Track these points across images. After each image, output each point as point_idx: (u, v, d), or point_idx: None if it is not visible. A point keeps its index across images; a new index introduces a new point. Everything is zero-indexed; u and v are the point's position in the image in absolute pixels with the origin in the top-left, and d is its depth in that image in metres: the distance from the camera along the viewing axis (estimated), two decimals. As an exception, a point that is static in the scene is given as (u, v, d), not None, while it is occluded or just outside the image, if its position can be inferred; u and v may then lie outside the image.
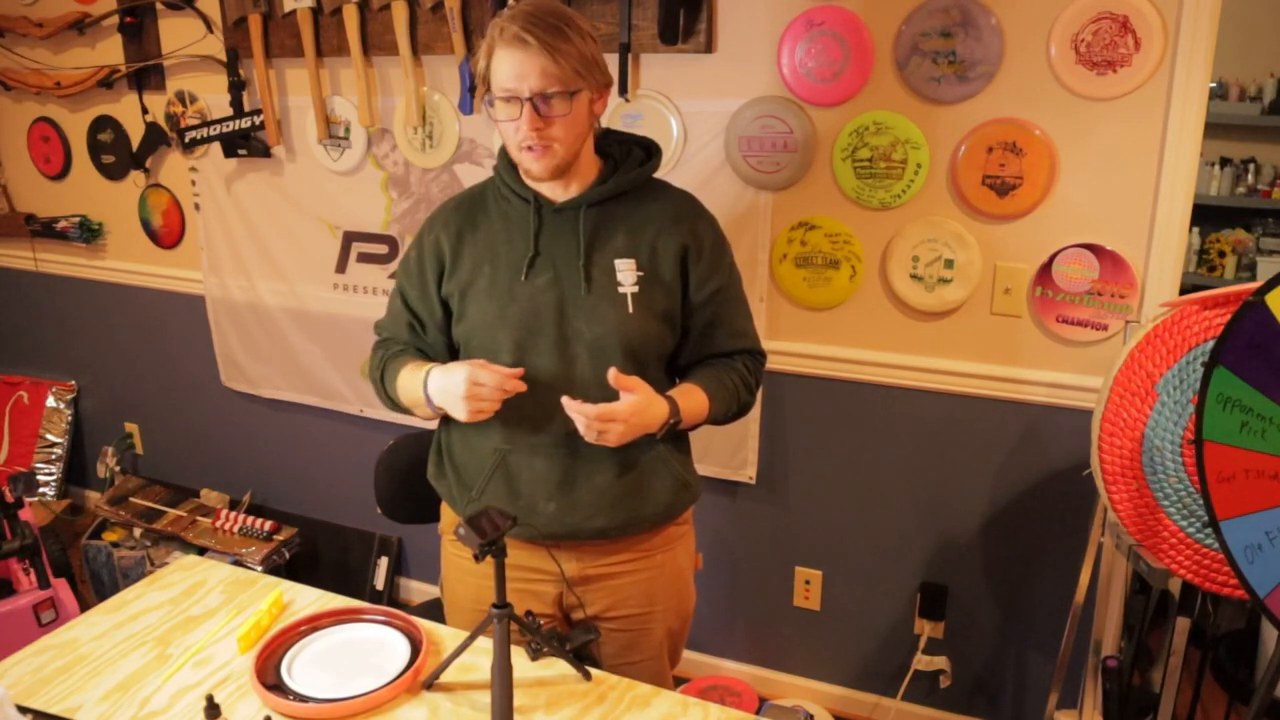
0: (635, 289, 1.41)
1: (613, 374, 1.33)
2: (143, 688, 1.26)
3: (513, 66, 1.29)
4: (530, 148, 1.33)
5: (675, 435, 1.48)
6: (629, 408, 1.33)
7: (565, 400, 1.33)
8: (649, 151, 1.49)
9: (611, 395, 1.35)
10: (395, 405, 1.52)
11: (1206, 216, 3.78)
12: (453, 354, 1.54)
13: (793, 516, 2.36)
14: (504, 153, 1.45)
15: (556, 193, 1.42)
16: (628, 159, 1.46)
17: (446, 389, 1.37)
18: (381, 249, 2.58)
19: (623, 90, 2.14)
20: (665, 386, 1.46)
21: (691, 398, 1.44)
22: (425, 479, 1.59)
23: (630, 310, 1.40)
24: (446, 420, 1.53)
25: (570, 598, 1.51)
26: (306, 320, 2.74)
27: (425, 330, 1.53)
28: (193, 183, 2.79)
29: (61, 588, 2.42)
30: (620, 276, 1.40)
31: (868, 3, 1.95)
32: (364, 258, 2.61)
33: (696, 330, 1.50)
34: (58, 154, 3.04)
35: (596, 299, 1.39)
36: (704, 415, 1.46)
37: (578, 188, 1.42)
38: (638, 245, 1.42)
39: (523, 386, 1.36)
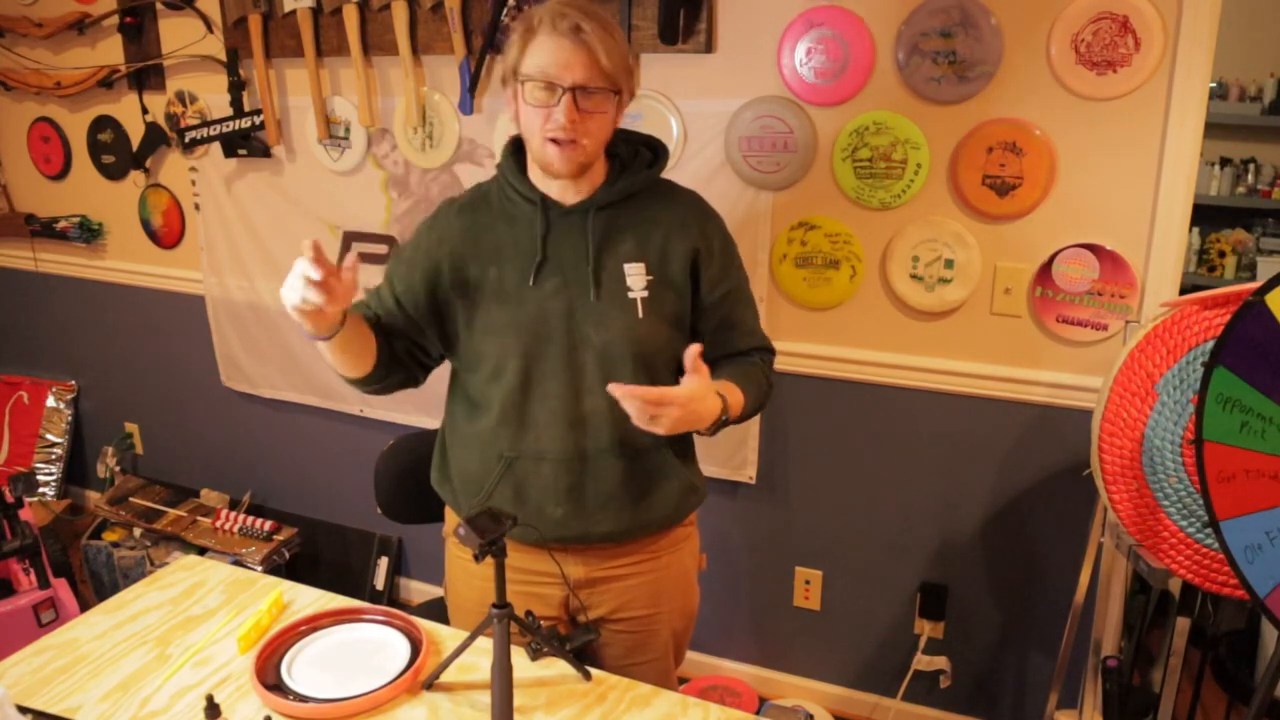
0: (645, 294, 1.37)
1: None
2: (143, 688, 1.26)
3: (560, 55, 1.26)
4: (558, 140, 1.29)
5: (680, 439, 1.46)
6: (686, 393, 1.26)
7: (612, 386, 1.23)
8: (655, 151, 1.45)
9: (618, 405, 1.26)
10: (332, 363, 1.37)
11: (1206, 216, 3.78)
12: (437, 349, 1.47)
13: (793, 516, 2.36)
14: (509, 152, 1.42)
15: (566, 194, 1.38)
16: (635, 159, 1.43)
17: (287, 284, 1.17)
18: (382, 249, 2.58)
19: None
20: None
21: (734, 395, 1.39)
22: (425, 478, 1.58)
23: (640, 315, 1.37)
24: (450, 424, 1.52)
25: (575, 601, 1.50)
26: (306, 320, 2.74)
27: (399, 314, 1.43)
28: (193, 183, 2.79)
29: (61, 588, 2.42)
30: (630, 281, 1.37)
31: (868, 3, 1.95)
32: (364, 258, 2.61)
33: (709, 332, 1.46)
34: (58, 154, 3.04)
35: (605, 305, 1.36)
36: (742, 411, 1.41)
37: (587, 189, 1.38)
38: (647, 248, 1.39)
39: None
